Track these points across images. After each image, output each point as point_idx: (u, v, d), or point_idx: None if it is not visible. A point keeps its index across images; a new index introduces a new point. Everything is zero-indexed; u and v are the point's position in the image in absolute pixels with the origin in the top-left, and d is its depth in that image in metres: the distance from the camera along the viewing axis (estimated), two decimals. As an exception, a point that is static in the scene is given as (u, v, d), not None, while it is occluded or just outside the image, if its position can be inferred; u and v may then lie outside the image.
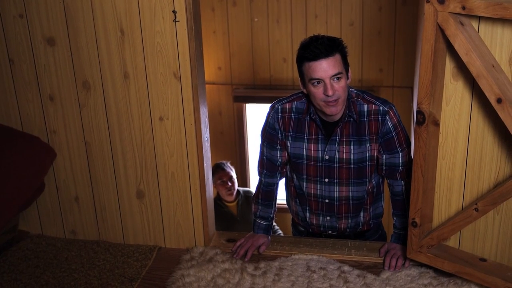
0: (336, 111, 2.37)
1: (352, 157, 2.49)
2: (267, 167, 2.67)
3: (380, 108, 2.43)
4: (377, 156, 2.51)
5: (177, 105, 2.57)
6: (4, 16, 2.59)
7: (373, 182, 2.61)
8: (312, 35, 2.38)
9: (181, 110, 2.58)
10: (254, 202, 2.76)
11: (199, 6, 2.52)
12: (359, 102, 2.45)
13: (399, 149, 2.48)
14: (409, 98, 5.35)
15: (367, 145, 2.47)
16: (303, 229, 2.82)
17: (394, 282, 2.42)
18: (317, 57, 2.28)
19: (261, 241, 2.69)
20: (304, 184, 2.61)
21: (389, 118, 2.43)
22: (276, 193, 2.74)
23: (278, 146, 2.60)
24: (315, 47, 2.29)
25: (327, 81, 2.29)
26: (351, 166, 2.51)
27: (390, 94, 5.50)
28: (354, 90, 2.48)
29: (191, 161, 2.65)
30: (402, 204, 2.54)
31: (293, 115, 2.53)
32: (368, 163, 2.51)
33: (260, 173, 2.72)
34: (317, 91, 2.33)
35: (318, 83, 2.31)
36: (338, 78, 2.31)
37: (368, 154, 2.49)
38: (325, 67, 2.29)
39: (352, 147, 2.47)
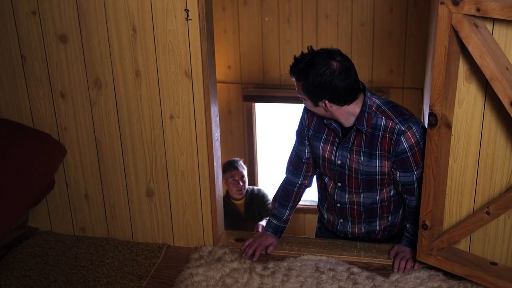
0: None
1: (360, 168, 2.45)
2: (294, 163, 2.68)
3: (397, 127, 2.34)
4: (391, 171, 2.45)
5: (188, 104, 2.57)
6: (17, 12, 2.59)
7: (391, 192, 2.55)
8: (308, 52, 2.37)
9: (192, 109, 2.57)
10: (272, 199, 2.77)
11: (212, 5, 2.51)
12: (377, 115, 2.37)
13: (414, 168, 2.40)
14: (419, 99, 5.33)
15: (378, 161, 2.42)
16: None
17: (404, 284, 2.41)
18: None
19: (269, 242, 2.69)
20: (326, 180, 2.62)
21: (405, 138, 2.34)
22: (296, 197, 2.71)
23: (306, 142, 2.61)
24: (293, 61, 2.36)
25: None
26: (360, 176, 2.48)
27: (400, 96, 5.48)
28: (377, 101, 2.40)
29: (201, 160, 2.65)
30: (417, 215, 2.47)
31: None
32: (378, 177, 2.47)
33: (286, 169, 2.73)
34: None
35: None
36: (301, 98, 2.41)
37: (378, 170, 2.44)
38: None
39: (361, 158, 2.43)
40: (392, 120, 2.36)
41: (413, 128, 2.35)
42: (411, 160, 2.38)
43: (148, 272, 2.60)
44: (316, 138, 2.54)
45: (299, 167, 2.67)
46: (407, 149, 2.36)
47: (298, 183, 2.69)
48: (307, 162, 2.65)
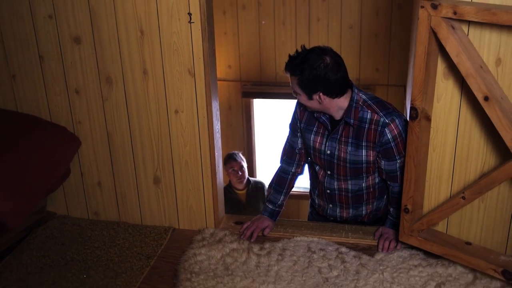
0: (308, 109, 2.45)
1: (348, 157, 2.45)
2: (287, 153, 2.68)
3: (381, 119, 2.35)
4: (376, 160, 2.46)
5: (191, 100, 2.57)
6: (35, 16, 2.59)
7: (376, 179, 2.57)
8: (301, 50, 2.35)
9: (195, 104, 2.57)
10: (268, 186, 2.77)
11: (212, 9, 2.51)
12: (364, 109, 2.37)
13: (397, 157, 2.40)
14: (402, 95, 5.33)
15: (364, 151, 2.42)
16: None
17: (387, 262, 2.42)
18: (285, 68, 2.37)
19: (265, 224, 2.69)
20: (317, 168, 2.62)
21: (388, 130, 2.35)
22: (290, 184, 2.71)
23: (298, 134, 2.61)
24: (288, 59, 2.35)
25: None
26: (347, 165, 2.48)
27: (385, 92, 5.47)
28: (363, 96, 2.40)
29: (203, 151, 2.65)
30: (399, 200, 2.48)
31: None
32: (364, 165, 2.47)
33: (281, 159, 2.73)
34: None
35: None
36: (295, 93, 2.39)
37: (364, 159, 2.44)
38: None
39: (349, 148, 2.44)
40: (377, 114, 2.36)
41: (396, 120, 2.36)
42: (394, 150, 2.39)
43: (155, 252, 2.61)
44: (307, 130, 2.54)
45: (292, 157, 2.67)
46: (390, 140, 2.36)
47: (292, 171, 2.69)
48: (299, 152, 2.65)
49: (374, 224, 2.74)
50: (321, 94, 2.33)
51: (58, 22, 2.58)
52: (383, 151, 2.41)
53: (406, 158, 2.31)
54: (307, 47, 2.36)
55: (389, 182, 2.52)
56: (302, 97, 2.39)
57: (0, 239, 2.61)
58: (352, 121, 2.38)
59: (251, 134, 6.22)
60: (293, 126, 2.63)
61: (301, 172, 2.74)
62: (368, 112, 2.37)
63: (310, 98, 2.36)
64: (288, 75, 2.37)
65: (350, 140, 2.42)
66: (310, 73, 2.28)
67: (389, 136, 2.36)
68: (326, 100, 2.35)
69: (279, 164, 2.74)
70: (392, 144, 2.37)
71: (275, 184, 2.72)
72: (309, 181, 2.80)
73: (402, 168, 2.41)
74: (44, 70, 2.69)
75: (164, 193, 2.79)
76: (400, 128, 2.36)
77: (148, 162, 2.75)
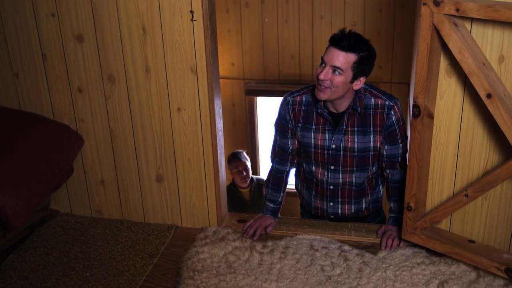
0: (321, 97, 2.34)
1: (356, 146, 2.47)
2: (279, 154, 2.67)
3: (386, 103, 2.39)
4: (379, 147, 2.49)
5: (194, 97, 2.57)
6: (38, 15, 2.59)
7: (373, 169, 2.59)
8: (349, 30, 2.30)
9: (197, 102, 2.57)
10: (265, 186, 2.76)
11: (215, 7, 2.50)
12: (367, 96, 2.41)
13: (399, 140, 2.45)
14: (406, 93, 5.31)
15: (371, 136, 2.45)
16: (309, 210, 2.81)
17: (390, 260, 2.42)
18: (335, 44, 2.27)
19: (268, 222, 2.69)
20: (313, 168, 2.60)
21: (393, 112, 2.40)
22: (286, 181, 2.72)
23: (289, 135, 2.59)
24: (340, 36, 2.27)
25: (327, 66, 2.28)
26: (355, 154, 2.49)
27: (389, 90, 5.46)
28: (362, 85, 2.41)
29: (206, 149, 2.65)
30: (400, 191, 2.52)
31: (302, 108, 2.51)
32: (371, 153, 2.49)
33: (272, 160, 2.72)
34: (318, 69, 2.33)
35: (322, 63, 2.32)
36: (335, 71, 2.27)
37: (371, 144, 2.47)
38: (333, 55, 2.27)
39: (356, 136, 2.45)
40: (381, 98, 2.41)
41: (398, 103, 2.42)
42: (397, 132, 2.43)
43: (158, 250, 2.61)
44: (306, 129, 2.53)
45: (285, 158, 2.66)
46: (395, 122, 2.41)
47: (286, 170, 2.69)
48: (291, 153, 2.64)
49: (374, 215, 2.75)
50: (363, 77, 2.34)
51: (61, 20, 2.58)
52: (387, 135, 2.44)
53: (409, 156, 2.31)
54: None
55: (388, 170, 2.54)
56: (342, 78, 2.28)
57: (3, 237, 2.61)
58: (359, 109, 2.41)
59: (254, 132, 6.22)
60: (282, 127, 2.60)
61: (294, 166, 2.75)
62: (371, 98, 2.41)
63: (354, 80, 2.31)
64: (341, 52, 2.26)
65: (356, 128, 2.44)
66: (371, 53, 2.31)
67: (393, 118, 2.41)
68: (361, 85, 2.36)
69: (271, 165, 2.73)
70: (396, 126, 2.42)
71: (272, 184, 2.71)
72: (298, 188, 2.79)
73: (403, 153, 2.48)
74: (47, 68, 2.69)
75: (167, 191, 2.79)
76: (401, 111, 2.44)
77: (151, 160, 2.75)
